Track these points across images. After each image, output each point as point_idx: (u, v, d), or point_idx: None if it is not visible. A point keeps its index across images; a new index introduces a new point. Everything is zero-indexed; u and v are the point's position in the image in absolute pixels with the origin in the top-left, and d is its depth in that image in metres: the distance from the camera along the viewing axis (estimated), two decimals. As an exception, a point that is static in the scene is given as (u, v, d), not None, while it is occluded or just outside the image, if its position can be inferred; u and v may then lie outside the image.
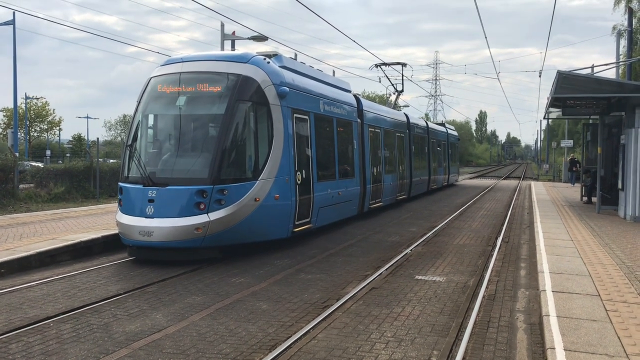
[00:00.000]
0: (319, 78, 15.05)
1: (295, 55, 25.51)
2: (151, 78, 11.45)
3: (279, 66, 12.32)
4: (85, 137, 69.58)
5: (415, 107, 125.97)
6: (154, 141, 11.31)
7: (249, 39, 20.90)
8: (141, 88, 11.59)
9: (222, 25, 20.38)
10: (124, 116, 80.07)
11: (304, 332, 6.30)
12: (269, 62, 11.74)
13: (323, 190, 13.47)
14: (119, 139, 73.08)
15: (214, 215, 10.02)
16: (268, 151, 11.03)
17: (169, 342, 6.00)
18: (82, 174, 23.01)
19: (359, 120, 17.12)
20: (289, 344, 5.91)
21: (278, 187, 11.15)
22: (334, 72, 31.45)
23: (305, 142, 12.71)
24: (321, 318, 6.81)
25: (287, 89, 11.65)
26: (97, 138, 29.21)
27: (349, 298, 7.77)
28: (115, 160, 31.59)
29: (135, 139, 11.02)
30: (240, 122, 10.70)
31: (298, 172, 12.01)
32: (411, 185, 23.87)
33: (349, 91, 17.42)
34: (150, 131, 11.41)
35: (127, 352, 5.67)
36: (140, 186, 10.26)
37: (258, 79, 11.01)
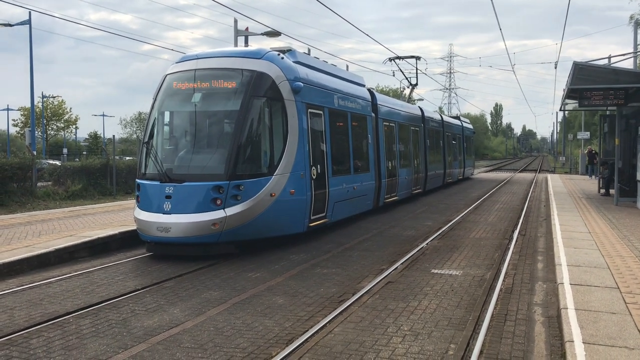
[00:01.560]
0: (333, 73, 15.03)
1: (309, 50, 25.41)
2: (166, 75, 11.51)
3: (293, 61, 12.35)
4: (102, 135, 70.14)
5: (429, 100, 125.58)
6: (170, 138, 11.40)
7: (262, 34, 20.91)
8: (157, 85, 11.66)
9: (236, 21, 20.42)
10: (139, 113, 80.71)
11: (320, 326, 6.31)
12: (283, 58, 11.75)
13: (338, 185, 13.49)
14: (135, 136, 73.64)
15: (231, 211, 10.06)
16: (283, 146, 11.07)
17: (187, 336, 6.05)
18: (99, 172, 23.21)
19: (373, 114, 17.07)
20: (305, 337, 5.92)
21: (293, 182, 11.19)
22: (347, 66, 31.45)
23: (319, 137, 12.71)
24: (337, 312, 6.82)
25: (302, 84, 11.68)
26: (113, 135, 29.33)
27: (365, 292, 7.77)
28: (131, 158, 31.86)
29: (151, 136, 11.09)
30: (255, 118, 10.72)
31: (313, 167, 12.03)
32: (426, 179, 23.77)
33: (363, 85, 17.37)
34: (166, 128, 11.48)
35: (145, 347, 5.73)
36: (158, 183, 10.37)
37: (272, 74, 11.04)
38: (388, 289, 7.99)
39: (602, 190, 21.42)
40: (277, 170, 10.84)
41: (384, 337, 5.98)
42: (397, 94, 48.52)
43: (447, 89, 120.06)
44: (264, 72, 10.95)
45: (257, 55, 11.31)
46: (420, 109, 24.84)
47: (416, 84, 28.56)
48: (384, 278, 8.59)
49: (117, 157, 28.58)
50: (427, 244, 11.60)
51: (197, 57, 11.46)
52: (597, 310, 6.11)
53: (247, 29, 25.26)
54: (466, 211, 17.38)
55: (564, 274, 7.72)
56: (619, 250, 9.55)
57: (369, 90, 17.55)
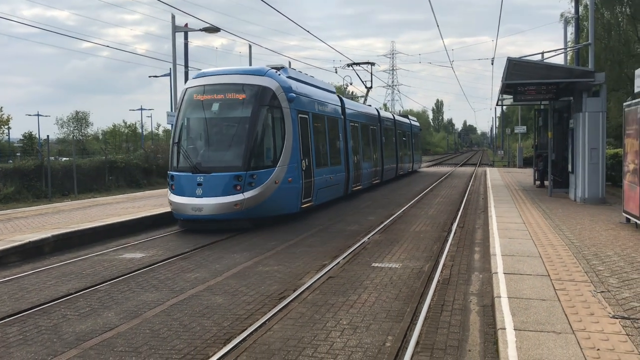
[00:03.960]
0: (313, 83, 17.98)
1: (250, 47, 25.17)
2: (187, 89, 14.14)
3: (286, 77, 15.11)
4: (37, 135, 67.49)
5: (372, 97, 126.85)
6: (197, 138, 13.88)
7: (200, 30, 20.58)
8: (179, 96, 14.27)
9: (173, 17, 20.02)
10: (77, 113, 77.64)
11: (259, 324, 6.25)
12: (279, 74, 14.55)
13: (320, 175, 16.37)
14: (72, 136, 71.13)
15: (248, 194, 12.84)
16: (282, 144, 13.85)
17: (121, 340, 5.87)
18: (33, 173, 22.32)
19: (342, 116, 19.91)
20: (244, 336, 5.85)
21: (290, 172, 14.01)
22: (289, 63, 31.61)
23: (306, 136, 15.47)
24: (277, 309, 6.78)
25: (294, 94, 14.45)
26: (48, 136, 28.20)
27: (305, 288, 7.76)
28: (67, 159, 30.75)
29: (180, 137, 13.74)
30: (262, 122, 13.49)
31: (303, 161, 14.83)
32: (383, 171, 26.70)
33: (334, 92, 20.37)
34: (192, 131, 13.99)
35: (77, 353, 5.52)
36: (190, 174, 13.00)
37: (273, 88, 13.72)
38: (329, 284, 8.01)
39: (537, 182, 22.19)
40: (278, 163, 13.61)
41: (323, 331, 5.98)
42: (341, 91, 50.07)
43: (389, 85, 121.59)
44: (267, 86, 13.64)
45: (260, 72, 14.01)
46: (377, 110, 27.90)
47: (371, 87, 30.89)
48: (325, 273, 8.61)
49: (52, 158, 27.54)
50: (369, 238, 11.70)
51: (212, 74, 14.14)
52: (528, 298, 6.30)
53: (186, 25, 24.81)
54: (408, 205, 17.65)
55: (499, 264, 7.93)
56: (551, 239, 9.90)
57: (338, 96, 20.51)
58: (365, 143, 23.26)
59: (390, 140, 29.67)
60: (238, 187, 12.74)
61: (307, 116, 15.63)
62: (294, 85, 15.13)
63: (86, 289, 7.99)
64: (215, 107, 13.46)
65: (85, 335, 6.02)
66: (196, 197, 12.65)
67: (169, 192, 13.39)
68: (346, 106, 20.70)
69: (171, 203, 13.23)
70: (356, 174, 21.02)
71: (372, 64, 30.47)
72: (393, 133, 30.45)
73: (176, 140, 13.72)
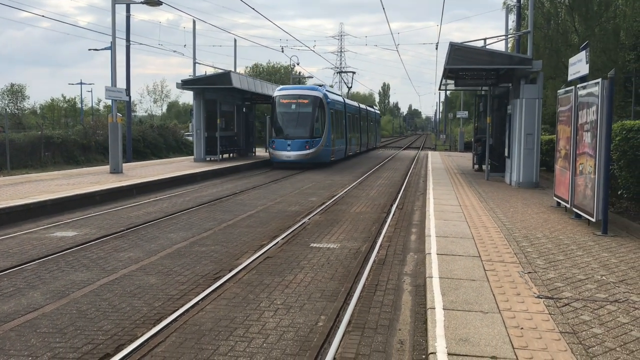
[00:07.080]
0: (333, 92, 31.36)
1: (194, 22, 24.80)
2: (276, 96, 26.50)
3: (325, 90, 27.92)
4: (-33, 108, 63.90)
5: (320, 78, 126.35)
6: (285, 121, 26.01)
7: (141, 3, 19.90)
8: (273, 100, 26.54)
9: (113, -12, 19.24)
10: (12, 85, 73.88)
11: (191, 304, 6.15)
12: (323, 89, 27.51)
13: (337, 145, 29.27)
14: (6, 110, 67.76)
15: (311, 150, 25.24)
16: (324, 126, 26.21)
17: (45, 321, 5.66)
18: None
19: (344, 110, 32.59)
20: (175, 316, 5.75)
21: (327, 141, 26.53)
22: (235, 40, 31.25)
23: (332, 122, 27.52)
24: (211, 289, 6.69)
25: (329, 100, 27.24)
26: (-22, 108, 26.99)
27: (242, 268, 7.68)
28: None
29: (276, 121, 26.01)
30: (316, 114, 25.75)
31: (331, 134, 27.34)
32: (361, 145, 39.95)
33: (340, 95, 34.71)
34: (282, 118, 26.08)
35: (-4, 335, 5.29)
36: (283, 139, 25.30)
37: (321, 96, 26.22)
38: (266, 264, 7.97)
39: (476, 166, 22.74)
40: (322, 135, 25.99)
41: (256, 312, 5.94)
42: (287, 71, 58.09)
43: (337, 68, 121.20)
44: (318, 96, 26.17)
45: (315, 89, 27.12)
46: (358, 103, 42.61)
47: (351, 87, 52.45)
48: (263, 253, 8.56)
49: (-18, 132, 26.23)
50: (309, 219, 11.71)
51: (290, 89, 27.36)
52: (459, 278, 6.44)
53: (127, -4, 23.94)
54: (350, 186, 17.77)
55: (432, 245, 8.08)
56: (484, 221, 10.16)
57: (342, 97, 34.41)
58: (353, 126, 36.28)
59: (365, 124, 43.20)
60: (307, 147, 25.14)
61: (333, 111, 28.21)
62: (329, 95, 28.41)
63: (11, 268, 7.66)
64: (294, 106, 25.94)
65: (7, 316, 5.78)
66: (287, 151, 25.09)
67: (270, 148, 26.18)
68: (346, 102, 34.35)
69: (272, 153, 25.78)
70: (349, 146, 33.93)
71: (354, 72, 51.16)
72: (365, 119, 43.71)
73: (274, 123, 26.07)
